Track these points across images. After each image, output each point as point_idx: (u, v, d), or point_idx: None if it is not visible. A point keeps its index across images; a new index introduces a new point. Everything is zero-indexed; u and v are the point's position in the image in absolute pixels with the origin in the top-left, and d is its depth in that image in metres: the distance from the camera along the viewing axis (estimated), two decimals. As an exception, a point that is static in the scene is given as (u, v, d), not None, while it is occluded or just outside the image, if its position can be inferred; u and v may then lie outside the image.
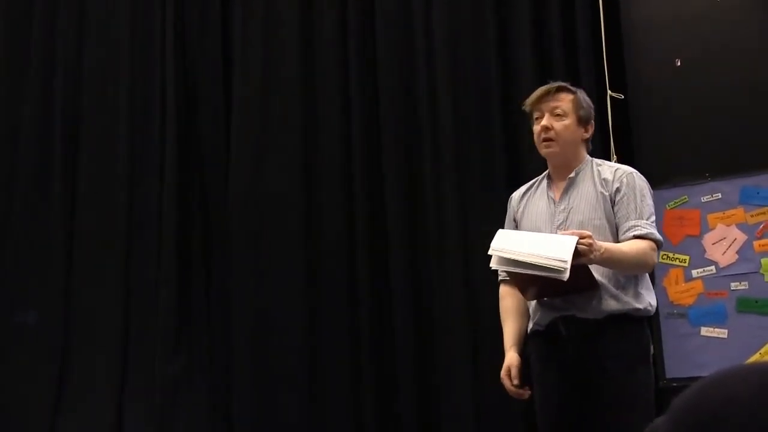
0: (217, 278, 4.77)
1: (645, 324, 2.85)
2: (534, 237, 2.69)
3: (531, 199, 2.98)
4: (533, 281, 2.68)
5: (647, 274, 2.87)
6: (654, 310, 2.86)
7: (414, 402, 4.30)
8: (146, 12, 5.11)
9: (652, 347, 2.87)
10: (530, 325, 2.91)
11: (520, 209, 2.99)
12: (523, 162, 4.27)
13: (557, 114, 2.87)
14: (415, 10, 4.61)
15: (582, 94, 2.96)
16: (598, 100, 4.08)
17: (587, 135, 2.94)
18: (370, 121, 4.62)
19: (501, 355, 4.21)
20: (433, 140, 4.48)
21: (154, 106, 4.98)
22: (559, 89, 2.91)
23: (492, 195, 4.30)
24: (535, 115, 2.92)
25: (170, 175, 4.84)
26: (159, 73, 4.98)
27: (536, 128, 2.91)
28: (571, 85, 2.99)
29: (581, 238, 2.58)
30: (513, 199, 3.06)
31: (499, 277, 3.03)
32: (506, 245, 2.65)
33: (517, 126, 4.32)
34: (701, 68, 3.87)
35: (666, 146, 3.89)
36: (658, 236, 2.79)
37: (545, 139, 2.87)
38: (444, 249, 4.37)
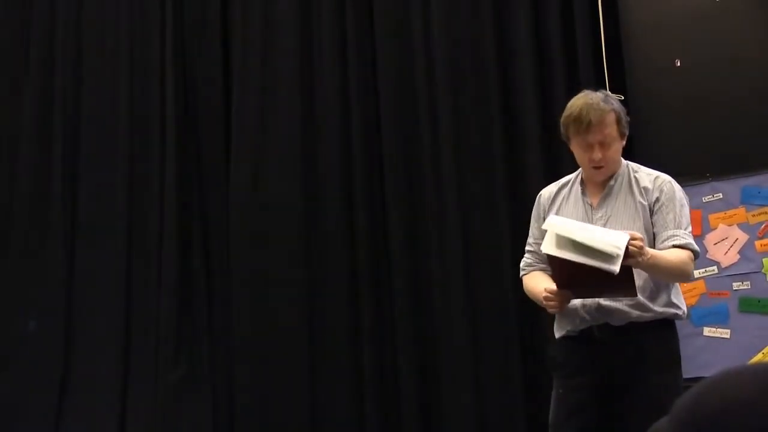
0: (218, 284, 4.77)
1: (676, 328, 2.84)
2: (587, 226, 2.66)
3: (565, 201, 2.92)
4: (576, 274, 2.62)
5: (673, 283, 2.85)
6: (685, 314, 2.86)
7: (415, 405, 4.30)
8: (145, 15, 5.11)
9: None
10: (562, 332, 2.87)
11: (553, 210, 2.92)
12: (522, 161, 4.28)
13: (606, 143, 2.78)
14: (414, 12, 4.60)
15: (617, 104, 2.86)
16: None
17: (624, 142, 2.89)
18: (369, 123, 4.62)
19: (500, 356, 4.22)
20: (433, 142, 4.47)
21: (153, 110, 4.98)
22: (606, 113, 2.78)
23: (492, 195, 4.30)
24: (580, 141, 2.81)
25: (170, 180, 4.84)
26: (158, 77, 4.98)
27: (584, 157, 2.82)
28: (606, 97, 2.85)
29: (632, 238, 2.57)
30: (542, 196, 3.00)
31: (522, 273, 2.99)
32: (563, 226, 2.59)
33: (516, 128, 4.32)
34: (701, 68, 3.87)
35: (666, 147, 3.88)
36: (696, 247, 2.79)
37: (596, 167, 2.82)
38: (445, 250, 4.36)
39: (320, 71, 4.76)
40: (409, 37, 4.61)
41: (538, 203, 3.00)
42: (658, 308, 2.75)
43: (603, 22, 4.11)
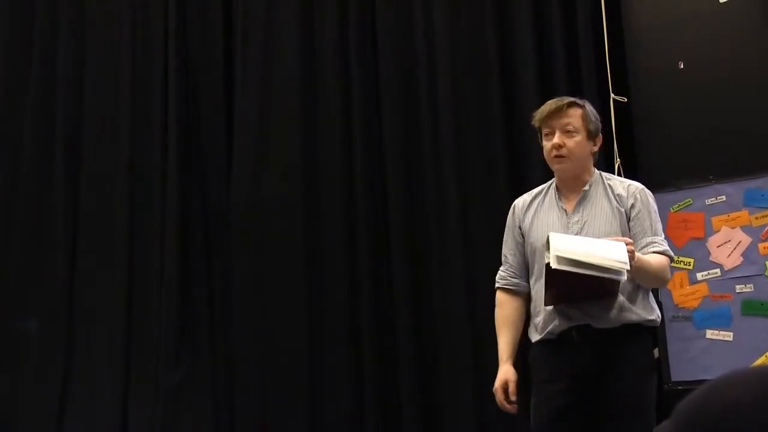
0: (219, 285, 4.77)
1: (652, 334, 2.92)
2: (587, 241, 2.70)
3: (539, 209, 2.96)
4: (574, 285, 2.66)
5: (651, 288, 2.92)
6: (659, 319, 2.92)
7: (415, 406, 4.30)
8: (148, 19, 5.12)
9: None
10: (539, 335, 2.90)
11: (528, 219, 2.97)
12: (523, 164, 4.27)
13: (568, 131, 2.86)
14: (416, 15, 4.61)
15: (590, 107, 2.95)
16: (601, 103, 4.07)
17: (596, 148, 2.95)
18: (370, 125, 4.63)
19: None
20: (434, 145, 4.48)
21: (155, 112, 4.99)
22: (569, 105, 2.89)
23: (493, 196, 4.30)
24: (545, 131, 2.90)
25: (172, 181, 4.85)
26: (161, 80, 4.99)
27: (547, 145, 2.89)
28: (579, 99, 2.97)
29: (627, 244, 2.63)
30: (517, 207, 3.05)
31: (497, 284, 3.05)
32: (566, 247, 2.62)
33: (518, 130, 4.32)
34: (704, 70, 3.86)
35: (669, 149, 3.88)
36: (672, 253, 2.88)
37: (557, 156, 2.88)
38: (445, 252, 4.37)
39: (322, 71, 4.77)
40: (411, 40, 4.61)
41: (513, 213, 3.05)
42: (637, 309, 2.80)
43: (606, 24, 4.11)
